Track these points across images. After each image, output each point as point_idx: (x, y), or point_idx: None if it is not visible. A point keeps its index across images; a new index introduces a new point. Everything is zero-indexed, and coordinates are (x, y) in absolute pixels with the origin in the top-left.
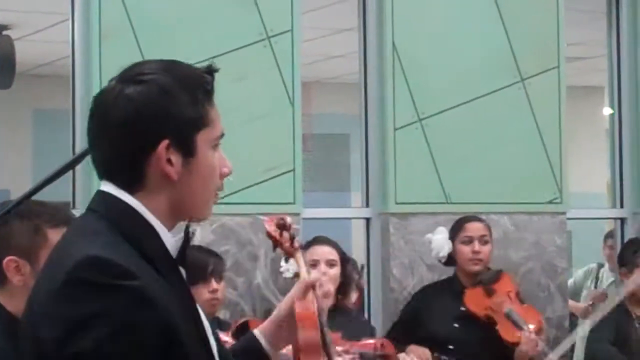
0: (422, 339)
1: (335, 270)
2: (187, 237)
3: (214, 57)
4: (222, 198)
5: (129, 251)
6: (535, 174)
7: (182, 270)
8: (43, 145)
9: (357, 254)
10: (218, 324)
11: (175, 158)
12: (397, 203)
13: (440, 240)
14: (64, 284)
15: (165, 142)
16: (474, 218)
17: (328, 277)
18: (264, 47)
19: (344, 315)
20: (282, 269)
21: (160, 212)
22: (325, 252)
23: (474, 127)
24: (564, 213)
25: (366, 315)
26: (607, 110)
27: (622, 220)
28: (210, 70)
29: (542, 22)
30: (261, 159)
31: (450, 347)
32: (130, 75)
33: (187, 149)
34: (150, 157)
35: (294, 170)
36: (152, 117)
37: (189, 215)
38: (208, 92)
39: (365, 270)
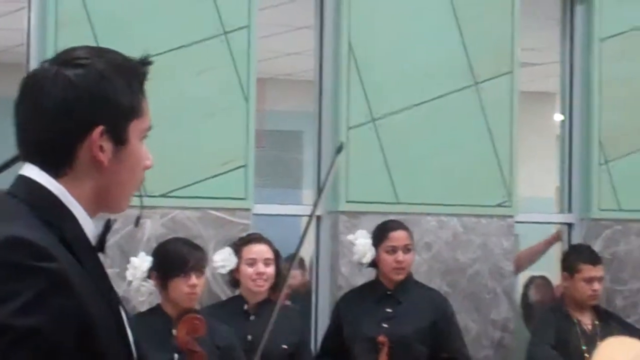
0: (354, 343)
1: (272, 269)
2: (107, 224)
3: (170, 50)
4: (173, 191)
5: (49, 235)
6: (485, 177)
7: (101, 258)
8: None
9: (306, 251)
10: None
11: (107, 145)
12: (347, 201)
13: (362, 246)
14: None
15: (100, 128)
16: (398, 225)
17: (266, 276)
18: (221, 42)
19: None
20: (215, 264)
21: (84, 199)
22: (262, 250)
23: (427, 129)
24: (512, 216)
25: (313, 313)
26: (558, 117)
27: (570, 226)
28: (145, 62)
29: (497, 27)
30: (214, 153)
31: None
32: (67, 59)
33: (120, 138)
34: (82, 141)
35: (246, 165)
36: (91, 101)
37: (109, 205)
38: (142, 83)
39: (314, 267)
